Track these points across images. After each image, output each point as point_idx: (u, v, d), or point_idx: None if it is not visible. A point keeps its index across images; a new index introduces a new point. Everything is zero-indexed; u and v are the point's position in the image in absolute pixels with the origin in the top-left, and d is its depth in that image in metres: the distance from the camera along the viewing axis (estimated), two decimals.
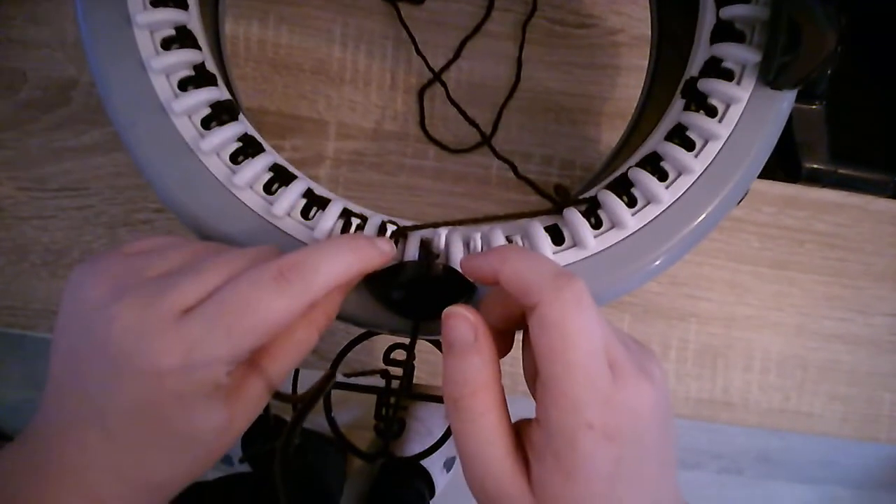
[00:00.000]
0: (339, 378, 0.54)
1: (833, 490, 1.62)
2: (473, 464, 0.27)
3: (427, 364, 0.57)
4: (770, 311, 0.60)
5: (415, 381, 0.59)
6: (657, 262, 0.34)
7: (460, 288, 0.32)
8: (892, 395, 0.61)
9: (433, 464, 1.36)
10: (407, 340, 0.33)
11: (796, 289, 0.61)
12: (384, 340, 0.57)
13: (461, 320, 0.28)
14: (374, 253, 0.30)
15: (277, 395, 0.30)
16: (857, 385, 0.61)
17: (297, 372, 0.81)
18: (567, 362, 0.25)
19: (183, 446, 0.27)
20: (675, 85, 0.38)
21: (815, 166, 0.41)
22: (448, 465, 1.40)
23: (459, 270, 0.32)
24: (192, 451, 0.28)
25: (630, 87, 0.59)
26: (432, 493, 1.36)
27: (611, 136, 0.58)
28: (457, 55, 0.58)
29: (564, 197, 0.35)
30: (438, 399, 0.58)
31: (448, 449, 1.40)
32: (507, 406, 0.28)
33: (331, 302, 0.31)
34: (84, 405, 0.27)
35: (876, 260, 0.61)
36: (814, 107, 0.42)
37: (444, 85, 0.57)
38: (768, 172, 0.38)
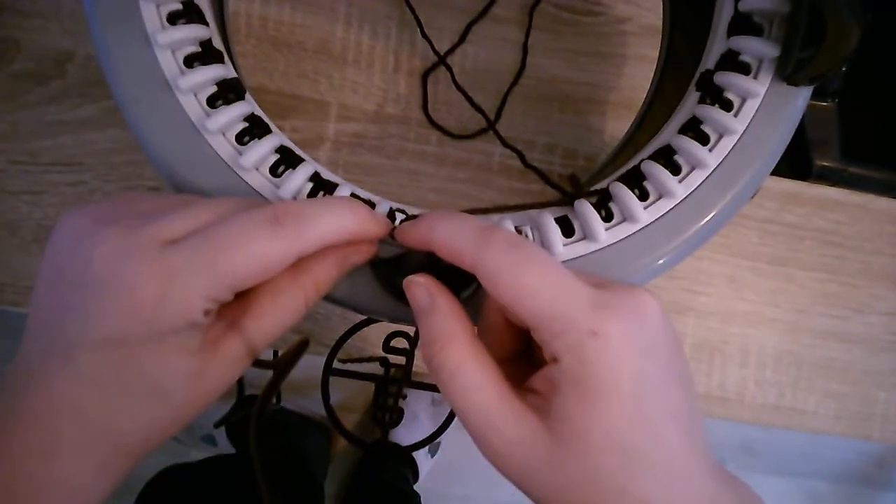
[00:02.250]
0: (337, 364, 0.53)
1: (813, 484, 1.64)
2: (470, 422, 0.26)
3: None
4: (767, 307, 0.60)
5: (413, 368, 0.58)
6: (668, 257, 0.34)
7: (467, 277, 0.32)
8: (887, 393, 0.61)
9: None
10: (406, 328, 0.33)
11: (794, 285, 0.60)
12: (378, 328, 0.56)
13: (416, 287, 0.29)
14: (371, 221, 0.30)
15: (255, 362, 0.29)
16: (852, 383, 0.61)
17: (275, 352, 0.81)
18: (531, 294, 0.25)
19: (148, 390, 0.26)
20: (685, 77, 0.38)
21: (826, 164, 0.40)
22: (432, 450, 1.40)
23: None
24: (157, 399, 0.27)
25: (636, 78, 0.58)
26: (416, 477, 1.36)
27: (615, 126, 0.58)
28: (462, 39, 0.57)
29: (578, 188, 0.34)
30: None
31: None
32: (489, 359, 0.27)
33: (323, 272, 0.30)
34: (57, 342, 0.26)
35: (874, 259, 0.61)
36: (826, 104, 0.41)
37: (449, 69, 0.56)
38: (775, 169, 0.38)
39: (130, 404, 0.26)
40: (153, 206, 0.28)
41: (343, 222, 0.28)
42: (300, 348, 0.30)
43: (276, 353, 0.81)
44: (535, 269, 0.26)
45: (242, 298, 0.28)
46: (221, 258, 0.26)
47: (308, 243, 0.27)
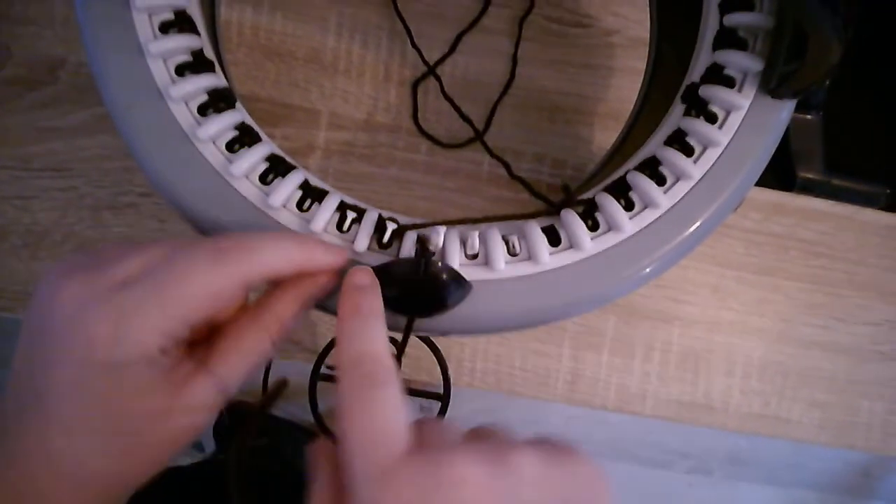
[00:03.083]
0: (324, 370, 0.54)
1: (800, 493, 1.64)
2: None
3: (410, 359, 0.57)
4: (752, 316, 0.61)
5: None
6: (653, 267, 0.34)
7: (455, 286, 0.32)
8: (871, 403, 0.61)
9: None
10: (394, 334, 0.33)
11: (779, 295, 0.61)
12: None
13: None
14: (320, 253, 0.30)
15: (231, 406, 0.30)
16: (836, 393, 0.61)
17: (269, 365, 0.80)
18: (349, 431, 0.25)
19: (115, 430, 0.27)
20: (673, 89, 0.38)
21: (810, 176, 0.41)
22: None
23: (455, 269, 0.32)
24: (126, 438, 0.27)
25: (624, 89, 0.59)
26: None
27: (603, 137, 0.58)
28: (452, 49, 0.57)
29: (569, 198, 0.35)
30: (431, 395, 0.58)
31: None
32: None
33: (284, 309, 0.30)
34: (29, 391, 0.27)
35: (859, 269, 0.61)
36: (809, 116, 0.42)
37: (438, 79, 0.56)
38: (760, 180, 0.39)
39: (100, 445, 0.27)
40: (117, 252, 0.29)
41: (288, 254, 0.29)
42: (276, 391, 0.30)
43: (267, 369, 0.81)
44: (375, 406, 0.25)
45: (211, 340, 0.29)
46: (166, 291, 0.27)
47: (250, 271, 0.28)
